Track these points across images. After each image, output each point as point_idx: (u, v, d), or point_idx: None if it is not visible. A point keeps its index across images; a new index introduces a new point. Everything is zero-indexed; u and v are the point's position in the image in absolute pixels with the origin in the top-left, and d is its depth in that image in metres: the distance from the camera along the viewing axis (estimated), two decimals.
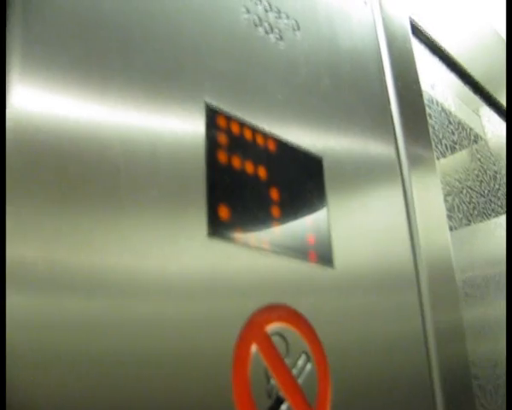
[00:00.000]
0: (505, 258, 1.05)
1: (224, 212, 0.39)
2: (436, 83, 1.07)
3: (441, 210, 0.67)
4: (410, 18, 0.88)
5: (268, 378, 0.38)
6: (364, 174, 0.55)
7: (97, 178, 0.33)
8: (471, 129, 1.13)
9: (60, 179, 0.31)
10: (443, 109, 1.01)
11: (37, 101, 0.32)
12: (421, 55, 1.04)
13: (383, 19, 0.71)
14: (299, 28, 0.54)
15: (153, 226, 0.35)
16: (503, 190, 1.17)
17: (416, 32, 1.00)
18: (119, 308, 0.32)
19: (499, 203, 1.10)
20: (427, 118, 0.90)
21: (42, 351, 0.28)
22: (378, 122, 0.61)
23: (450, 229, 0.87)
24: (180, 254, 0.35)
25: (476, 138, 1.14)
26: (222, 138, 0.41)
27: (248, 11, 0.49)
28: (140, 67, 0.38)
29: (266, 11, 0.51)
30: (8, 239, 0.28)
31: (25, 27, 0.33)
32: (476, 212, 0.98)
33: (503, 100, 1.31)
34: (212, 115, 0.41)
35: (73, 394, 0.29)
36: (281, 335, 0.40)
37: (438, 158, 0.92)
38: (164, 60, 0.40)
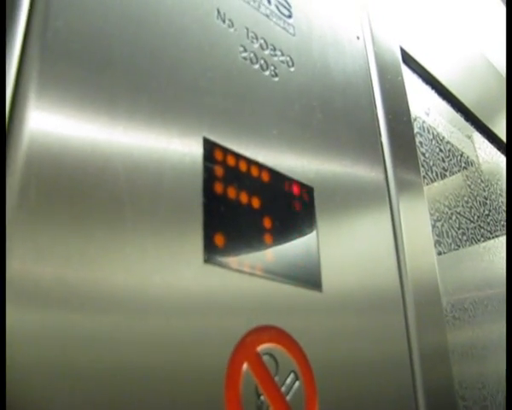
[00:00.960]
0: (496, 280, 1.08)
1: (219, 239, 0.42)
2: (429, 109, 1.10)
3: (428, 234, 0.70)
4: (401, 47, 0.92)
5: (258, 395, 0.41)
6: (354, 201, 0.58)
7: (103, 203, 0.36)
8: (462, 155, 1.16)
9: (69, 202, 0.34)
10: (434, 137, 1.05)
11: (51, 127, 0.35)
12: (414, 83, 1.07)
13: (375, 53, 0.75)
14: (293, 64, 0.58)
15: (154, 252, 0.38)
16: (493, 215, 1.19)
17: (408, 60, 1.04)
18: (119, 326, 0.34)
19: (488, 229, 1.13)
20: (419, 146, 0.93)
21: (50, 367, 0.31)
22: (369, 152, 0.64)
23: (439, 254, 0.89)
24: (178, 279, 0.38)
25: (467, 164, 1.17)
26: (218, 170, 0.44)
27: (245, 49, 0.52)
28: (144, 103, 0.41)
29: (262, 49, 0.55)
30: (20, 257, 0.31)
31: (41, 58, 0.36)
32: (465, 237, 1.00)
33: (493, 127, 1.34)
34: (209, 149, 0.44)
35: (77, 407, 0.31)
36: (271, 354, 0.42)
37: (427, 184, 0.95)
38: (166, 95, 0.43)
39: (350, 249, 0.55)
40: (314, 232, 0.51)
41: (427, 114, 1.08)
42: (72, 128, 0.36)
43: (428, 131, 1.04)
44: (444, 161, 1.05)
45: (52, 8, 0.38)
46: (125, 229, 0.37)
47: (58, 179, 0.34)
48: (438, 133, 1.08)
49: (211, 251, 0.41)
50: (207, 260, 0.40)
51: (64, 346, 0.32)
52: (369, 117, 0.67)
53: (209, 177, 0.43)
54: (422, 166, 0.95)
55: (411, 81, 1.06)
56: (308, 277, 0.48)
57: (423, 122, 1.04)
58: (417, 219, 0.68)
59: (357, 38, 0.73)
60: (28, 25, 0.37)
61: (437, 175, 0.99)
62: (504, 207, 1.30)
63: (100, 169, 0.37)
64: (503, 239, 1.18)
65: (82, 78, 0.38)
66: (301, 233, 0.49)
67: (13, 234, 0.31)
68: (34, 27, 0.37)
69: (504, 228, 1.23)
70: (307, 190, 0.52)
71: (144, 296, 0.36)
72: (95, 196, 0.36)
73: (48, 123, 0.35)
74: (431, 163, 0.99)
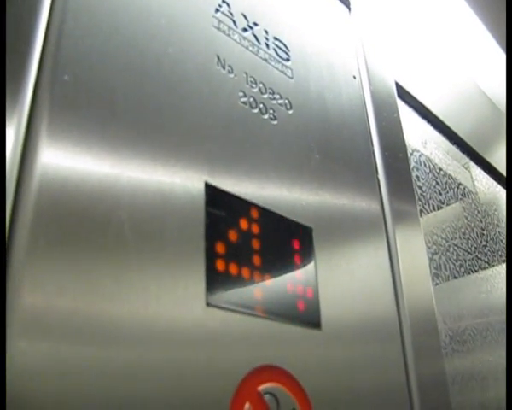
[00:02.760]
0: (492, 310, 1.08)
1: (221, 282, 0.43)
2: (425, 141, 1.12)
3: (424, 264, 0.71)
4: (397, 82, 0.94)
5: None
6: (352, 237, 0.60)
7: (109, 248, 0.38)
8: (459, 187, 1.18)
9: (76, 245, 0.36)
10: (430, 170, 1.06)
11: (59, 174, 0.37)
12: (410, 116, 1.09)
13: (371, 91, 0.76)
14: (291, 107, 0.59)
15: (157, 294, 0.39)
16: (490, 246, 1.21)
17: (403, 94, 1.06)
18: (123, 363, 0.36)
19: (486, 259, 1.14)
20: (416, 180, 0.95)
21: (57, 397, 0.32)
22: (366, 189, 0.66)
23: (437, 284, 0.90)
24: (182, 322, 0.40)
25: (464, 195, 1.19)
26: (220, 213, 0.46)
27: (245, 94, 0.54)
28: (146, 150, 0.43)
29: (261, 93, 0.56)
30: (26, 288, 0.33)
31: (50, 110, 0.38)
32: (463, 269, 1.02)
33: (489, 157, 1.36)
34: (211, 193, 0.46)
35: None
36: (272, 394, 0.44)
37: (422, 216, 0.97)
38: (168, 142, 0.45)
39: (348, 285, 0.56)
40: (313, 271, 0.52)
41: (424, 146, 1.10)
42: (80, 174, 0.38)
43: (425, 165, 1.05)
44: (441, 194, 1.06)
45: (60, 63, 0.40)
46: (131, 273, 0.38)
47: (65, 223, 0.36)
48: (434, 165, 1.10)
49: (213, 294, 0.42)
50: (210, 304, 0.42)
51: (73, 379, 0.33)
52: (366, 155, 0.69)
53: (211, 221, 0.45)
54: (419, 199, 0.96)
55: (407, 114, 1.08)
56: (307, 316, 0.49)
57: (420, 156, 1.05)
58: (414, 250, 0.70)
59: (354, 77, 0.75)
60: (38, 79, 0.39)
61: (434, 208, 1.01)
62: (502, 238, 1.31)
63: (105, 215, 0.38)
64: (499, 269, 1.19)
65: (88, 128, 0.40)
66: (300, 273, 0.51)
67: (24, 271, 0.33)
68: (43, 81, 0.39)
69: (502, 258, 1.24)
70: (306, 230, 0.53)
71: (147, 338, 0.37)
72: (100, 240, 0.37)
73: (56, 170, 0.37)
74: (428, 196, 1.00)
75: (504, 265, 1.23)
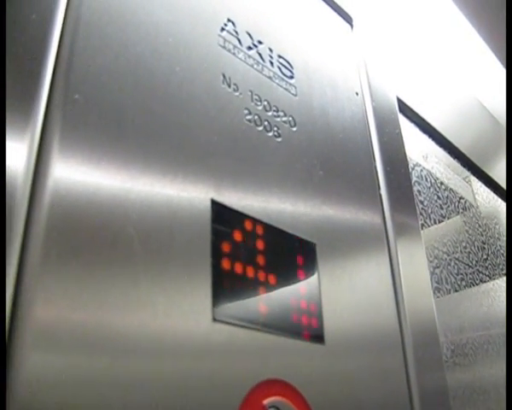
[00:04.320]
0: (494, 323, 1.09)
1: (227, 298, 0.44)
2: (427, 155, 1.13)
3: (426, 277, 0.72)
4: (398, 97, 0.95)
5: None
6: (354, 251, 0.61)
7: (118, 265, 0.38)
8: (460, 201, 1.19)
9: (86, 256, 0.37)
10: (432, 185, 1.07)
11: (71, 190, 0.38)
12: (411, 131, 1.10)
13: (373, 107, 0.78)
14: (295, 124, 0.60)
15: (165, 311, 0.40)
16: (491, 260, 1.21)
17: (405, 110, 1.07)
18: (129, 377, 0.36)
19: (487, 273, 1.15)
20: (417, 194, 0.96)
21: (68, 408, 0.33)
22: (368, 204, 0.67)
23: (438, 297, 0.91)
24: (189, 337, 0.40)
25: (465, 209, 1.20)
26: (225, 230, 0.47)
27: (250, 112, 0.55)
28: (155, 167, 0.44)
29: (266, 110, 0.57)
30: (39, 301, 0.33)
31: (62, 129, 0.39)
32: (464, 283, 1.02)
33: (489, 171, 1.37)
34: (217, 210, 0.47)
35: None
36: (277, 407, 0.44)
37: (423, 230, 0.97)
38: (176, 160, 0.46)
39: (351, 299, 0.57)
40: (316, 286, 0.53)
41: (426, 160, 1.11)
42: (90, 191, 0.39)
43: (426, 179, 1.06)
44: (442, 208, 1.07)
45: (71, 83, 0.41)
46: (139, 287, 0.39)
47: (76, 239, 0.37)
48: (436, 179, 1.11)
49: (219, 309, 0.43)
50: (216, 319, 0.42)
51: (84, 390, 0.34)
52: (368, 170, 0.70)
53: (217, 238, 0.46)
54: (421, 214, 0.97)
55: (409, 129, 1.09)
56: (311, 331, 0.50)
57: (421, 170, 1.06)
58: (415, 263, 0.70)
59: (356, 93, 0.76)
60: (49, 98, 0.40)
61: (435, 222, 1.02)
62: (503, 251, 1.32)
63: (115, 231, 0.39)
64: (500, 282, 1.20)
65: (98, 145, 0.41)
66: (304, 288, 0.51)
67: (37, 285, 0.34)
68: (55, 101, 0.40)
69: (503, 271, 1.25)
70: (310, 246, 0.54)
71: (154, 352, 0.38)
72: (109, 255, 0.38)
73: (68, 187, 0.38)
74: (429, 211, 1.01)
75: (505, 278, 1.24)
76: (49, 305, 0.34)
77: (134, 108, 0.45)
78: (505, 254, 1.32)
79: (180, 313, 0.41)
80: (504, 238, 1.37)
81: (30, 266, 0.34)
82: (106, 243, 0.38)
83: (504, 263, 1.29)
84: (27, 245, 0.35)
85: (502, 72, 1.38)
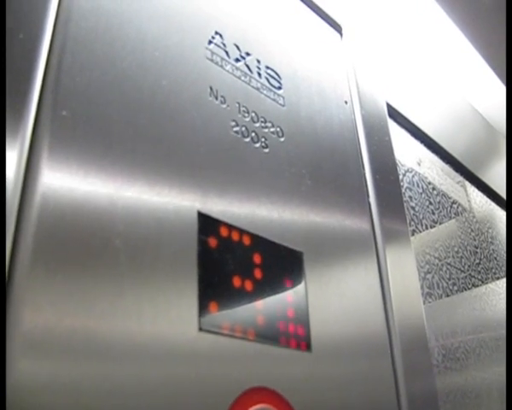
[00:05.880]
0: (486, 327, 1.10)
1: (213, 308, 0.45)
2: (420, 160, 1.13)
3: (415, 284, 0.73)
4: (388, 103, 0.96)
5: None
6: (342, 259, 0.61)
7: (105, 263, 0.39)
8: (452, 205, 1.19)
9: (74, 260, 0.38)
10: (423, 190, 1.08)
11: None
12: (402, 136, 1.11)
13: (362, 116, 0.78)
14: (283, 134, 0.61)
15: (151, 319, 0.41)
16: (484, 264, 1.22)
17: (395, 115, 1.07)
18: (115, 386, 0.37)
19: (479, 277, 1.16)
20: (408, 200, 0.97)
21: None
22: (356, 212, 0.67)
23: (429, 302, 0.92)
24: (175, 346, 0.41)
25: (457, 214, 1.20)
26: (212, 242, 0.47)
27: (237, 124, 0.56)
28: (141, 179, 0.45)
29: (253, 121, 0.58)
30: (27, 311, 0.34)
31: (49, 145, 0.40)
32: (456, 287, 1.03)
33: (482, 176, 1.38)
34: (203, 222, 0.48)
35: None
36: None
37: (414, 235, 0.98)
38: (163, 172, 0.47)
39: (338, 306, 0.58)
40: (303, 295, 0.54)
41: (419, 164, 1.12)
42: (78, 203, 0.40)
43: (418, 185, 1.07)
44: (434, 213, 1.08)
45: (58, 100, 0.42)
46: (126, 296, 0.40)
47: (63, 250, 0.38)
48: (428, 184, 1.12)
49: (205, 319, 0.44)
50: (202, 328, 0.43)
51: (72, 397, 0.34)
52: (357, 179, 0.71)
53: (203, 249, 0.46)
54: (412, 219, 0.98)
55: (400, 134, 1.10)
56: (298, 339, 0.51)
57: (413, 176, 1.07)
58: (404, 271, 0.71)
59: (345, 102, 0.77)
60: (37, 116, 0.41)
61: (427, 228, 1.03)
62: (495, 255, 1.32)
63: (102, 241, 0.40)
64: (493, 286, 1.21)
65: (85, 159, 0.42)
66: (291, 297, 0.52)
67: (24, 294, 0.35)
68: (43, 118, 0.41)
69: (495, 275, 1.25)
70: (297, 255, 0.55)
71: (140, 360, 0.39)
72: (96, 265, 0.39)
73: (56, 199, 0.39)
74: (421, 216, 1.02)
75: (498, 282, 1.24)
76: (37, 313, 0.35)
77: (121, 122, 0.46)
78: (498, 258, 1.33)
79: (166, 323, 0.42)
80: (497, 242, 1.37)
81: (18, 274, 0.35)
82: (93, 252, 0.39)
83: (497, 267, 1.29)
84: (16, 254, 0.36)
85: (494, 76, 1.39)
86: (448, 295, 0.98)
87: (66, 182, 0.40)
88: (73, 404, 0.35)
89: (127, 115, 0.47)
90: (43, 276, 0.36)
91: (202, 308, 0.44)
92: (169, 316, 0.42)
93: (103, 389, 0.36)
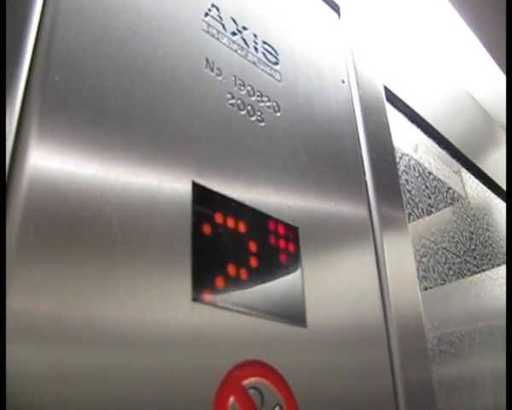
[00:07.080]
0: (483, 313, 1.10)
1: (207, 279, 0.44)
2: (416, 145, 1.13)
3: (412, 269, 0.72)
4: (385, 86, 0.95)
5: None
6: (338, 239, 0.61)
7: (97, 246, 0.39)
8: (448, 191, 1.19)
9: (65, 244, 0.37)
10: (420, 174, 1.08)
11: (49, 173, 0.38)
12: (400, 121, 1.11)
13: (360, 95, 0.78)
14: (279, 109, 0.61)
15: (144, 292, 0.40)
16: (479, 250, 1.22)
17: (392, 99, 1.07)
18: (111, 362, 0.37)
19: (475, 263, 1.15)
20: (405, 183, 0.96)
21: (45, 403, 0.33)
22: (353, 192, 0.67)
23: (425, 288, 0.91)
24: (168, 317, 0.41)
25: (453, 200, 1.20)
26: (206, 213, 0.47)
27: (233, 96, 0.55)
28: (136, 150, 0.44)
29: (249, 95, 0.58)
30: (18, 292, 0.33)
31: (40, 110, 0.39)
32: (451, 272, 1.03)
33: (479, 162, 1.37)
34: (198, 192, 0.47)
35: None
36: (256, 388, 0.45)
37: (413, 221, 0.98)
38: (157, 143, 0.46)
39: (334, 287, 0.57)
40: (299, 270, 0.53)
41: (415, 150, 1.11)
42: (69, 174, 0.39)
43: (414, 169, 1.07)
44: (430, 198, 1.07)
45: (51, 64, 0.41)
46: (118, 270, 0.39)
47: (55, 222, 0.37)
48: (424, 169, 1.11)
49: (199, 290, 0.43)
50: (195, 299, 0.43)
51: (59, 381, 0.34)
52: (354, 158, 0.70)
53: (197, 219, 0.46)
54: (408, 203, 0.97)
55: (397, 119, 1.09)
56: (293, 314, 0.50)
57: (409, 160, 1.07)
58: (401, 254, 0.70)
59: (343, 81, 0.76)
60: (28, 79, 0.40)
61: (423, 212, 1.02)
62: (491, 242, 1.32)
63: (94, 214, 0.39)
64: (489, 273, 1.21)
65: (78, 127, 0.41)
66: (286, 271, 0.52)
67: (12, 274, 0.34)
68: (34, 81, 0.40)
69: (490, 262, 1.25)
70: (292, 229, 0.54)
71: (135, 334, 0.38)
72: (89, 238, 0.38)
73: (46, 170, 0.38)
74: (417, 200, 1.01)
75: (494, 269, 1.24)
76: (26, 294, 0.34)
77: (115, 91, 0.45)
78: (493, 245, 1.33)
79: (160, 295, 0.41)
80: (493, 229, 1.37)
81: (8, 254, 0.34)
82: (85, 226, 0.39)
83: (492, 253, 1.29)
84: (5, 231, 0.35)
85: (491, 63, 1.38)
86: (444, 280, 0.98)
87: (57, 151, 0.39)
88: (61, 386, 0.34)
89: (121, 85, 0.46)
90: (34, 250, 0.35)
91: (196, 280, 0.43)
92: (162, 288, 0.41)
93: (96, 363, 0.36)
